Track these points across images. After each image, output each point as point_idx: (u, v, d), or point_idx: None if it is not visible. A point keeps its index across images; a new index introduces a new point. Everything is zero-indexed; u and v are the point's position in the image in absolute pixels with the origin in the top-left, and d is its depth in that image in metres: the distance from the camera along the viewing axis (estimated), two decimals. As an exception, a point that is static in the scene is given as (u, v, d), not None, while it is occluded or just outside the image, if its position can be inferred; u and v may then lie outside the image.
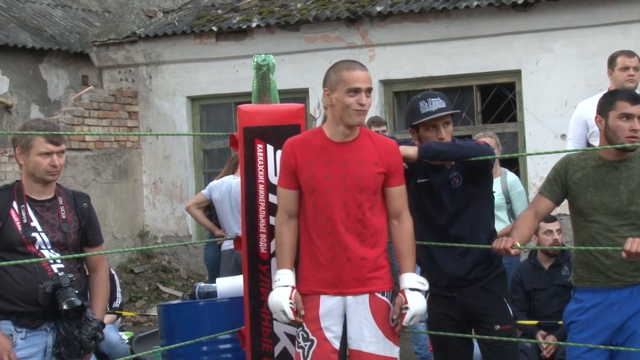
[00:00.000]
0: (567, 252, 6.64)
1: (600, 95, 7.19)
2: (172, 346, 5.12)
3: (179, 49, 12.93)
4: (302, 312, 4.39)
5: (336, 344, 4.39)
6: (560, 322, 5.88)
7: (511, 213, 7.34)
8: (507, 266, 5.65)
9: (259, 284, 4.73)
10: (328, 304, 4.39)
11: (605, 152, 4.57)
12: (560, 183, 4.65)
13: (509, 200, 7.31)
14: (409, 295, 4.38)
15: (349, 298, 4.39)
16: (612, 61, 7.09)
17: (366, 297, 4.39)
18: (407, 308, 4.35)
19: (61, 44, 14.30)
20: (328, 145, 4.39)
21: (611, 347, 4.53)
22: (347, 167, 4.35)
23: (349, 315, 4.40)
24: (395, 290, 4.50)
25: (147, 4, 13.68)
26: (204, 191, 8.34)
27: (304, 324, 4.40)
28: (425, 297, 4.99)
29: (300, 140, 4.46)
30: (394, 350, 4.44)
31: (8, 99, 13.60)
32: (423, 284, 4.46)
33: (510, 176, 7.43)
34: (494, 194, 6.61)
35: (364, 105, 4.32)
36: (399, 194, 4.47)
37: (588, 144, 6.87)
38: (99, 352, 7.29)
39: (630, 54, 7.08)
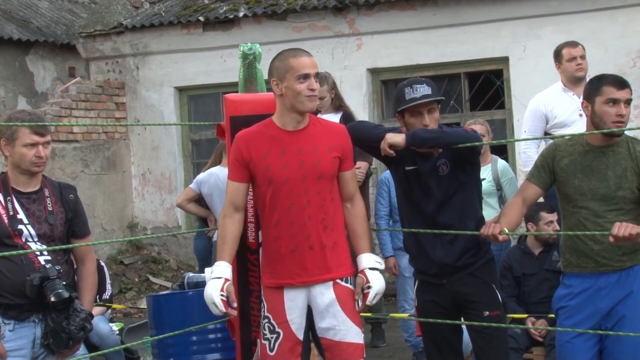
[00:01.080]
0: (557, 238, 6.64)
1: (555, 87, 7.26)
2: (162, 336, 5.13)
3: (165, 40, 12.90)
4: (235, 304, 4.38)
5: (300, 336, 4.41)
6: (551, 316, 5.90)
7: (501, 200, 7.35)
8: (496, 253, 5.66)
9: (247, 273, 4.72)
10: (292, 296, 4.40)
11: (592, 137, 4.57)
12: (548, 169, 4.66)
13: (499, 187, 7.33)
14: (370, 274, 4.42)
15: (313, 289, 4.39)
16: (557, 54, 7.19)
17: (330, 285, 4.40)
18: (369, 287, 4.39)
19: (47, 36, 14.25)
20: (281, 135, 4.39)
21: (600, 332, 4.55)
22: (302, 155, 4.36)
23: (315, 306, 4.40)
24: (356, 274, 4.52)
25: (133, -5, 13.63)
26: (192, 185, 8.33)
27: (270, 316, 4.41)
28: (414, 284, 5.02)
29: (253, 133, 4.44)
30: (361, 337, 4.48)
31: (-5, 92, 13.55)
32: (380, 262, 4.51)
33: (501, 163, 7.45)
34: (484, 181, 6.65)
35: (314, 91, 4.33)
36: (351, 177, 4.52)
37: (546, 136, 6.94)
38: (89, 343, 7.27)
39: (574, 44, 7.19)
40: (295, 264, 4.37)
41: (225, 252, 4.42)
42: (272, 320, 4.42)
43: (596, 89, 4.56)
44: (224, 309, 4.32)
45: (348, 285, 4.44)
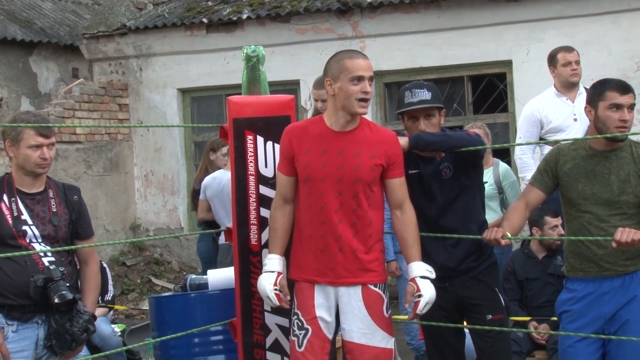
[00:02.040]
0: (561, 243, 6.64)
1: (548, 92, 7.28)
2: (164, 338, 5.12)
3: (169, 41, 12.91)
4: (288, 298, 4.42)
5: (329, 335, 4.41)
6: (554, 319, 5.90)
7: (503, 203, 7.35)
8: (499, 256, 5.66)
9: (250, 275, 4.72)
10: (322, 293, 4.40)
11: (596, 142, 4.57)
12: (551, 173, 4.65)
13: (501, 191, 7.33)
14: (421, 283, 4.41)
15: (342, 289, 4.39)
16: (552, 59, 7.18)
17: (359, 288, 4.40)
18: (420, 296, 4.39)
19: (51, 37, 14.25)
20: (326, 134, 4.39)
21: (603, 337, 4.54)
22: (343, 157, 4.36)
23: (341, 307, 4.41)
24: (387, 282, 4.52)
25: (137, -4, 13.65)
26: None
27: (299, 313, 4.41)
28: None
29: (299, 128, 4.47)
30: (389, 341, 4.45)
31: (-2, 92, 13.56)
32: (431, 271, 4.48)
33: (503, 166, 7.45)
34: (486, 184, 6.64)
35: (367, 93, 4.32)
36: (399, 184, 4.48)
37: (541, 141, 6.95)
38: (91, 345, 7.28)
39: (569, 49, 7.19)
40: (324, 264, 4.38)
41: (276, 245, 4.46)
42: (300, 317, 4.42)
43: (599, 93, 4.55)
44: (277, 302, 4.38)
45: (377, 290, 4.44)
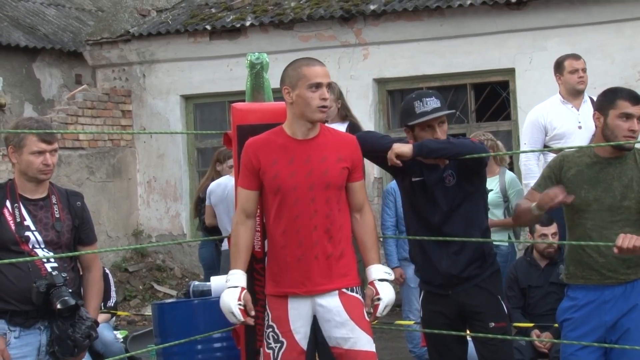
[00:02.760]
0: (563, 250, 6.66)
1: (553, 99, 7.29)
2: (167, 345, 5.12)
3: (172, 48, 12.92)
4: (252, 313, 4.39)
5: (304, 345, 4.41)
6: (556, 325, 5.90)
7: (508, 211, 7.35)
8: (501, 264, 5.66)
9: (253, 282, 4.72)
10: (296, 305, 4.40)
11: (601, 149, 4.58)
12: (555, 180, 4.65)
13: (506, 199, 7.32)
14: (379, 286, 4.42)
15: (318, 299, 4.38)
16: (559, 66, 7.19)
17: (335, 294, 4.39)
18: (379, 299, 4.40)
19: (54, 43, 14.27)
20: (290, 144, 4.39)
21: (604, 345, 4.54)
22: (310, 164, 4.36)
23: (321, 316, 4.40)
24: (362, 285, 4.51)
25: (140, 3, 13.66)
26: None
27: (274, 325, 4.41)
28: (420, 295, 5.01)
29: (262, 140, 4.45)
30: (373, 345, 4.46)
31: (1, 98, 13.57)
32: (389, 273, 4.50)
33: (509, 175, 7.45)
34: (492, 192, 6.65)
35: (325, 100, 4.33)
36: (360, 187, 4.51)
37: (545, 148, 6.97)
38: (93, 351, 7.28)
39: (576, 56, 7.21)
40: (300, 273, 4.37)
41: (239, 260, 4.44)
42: (276, 330, 4.41)
43: (611, 102, 4.56)
44: (242, 318, 4.35)
45: (354, 294, 4.43)
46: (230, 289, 4.37)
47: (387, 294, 4.41)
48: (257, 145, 4.43)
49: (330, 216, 4.38)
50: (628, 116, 4.51)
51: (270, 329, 4.43)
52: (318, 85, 4.32)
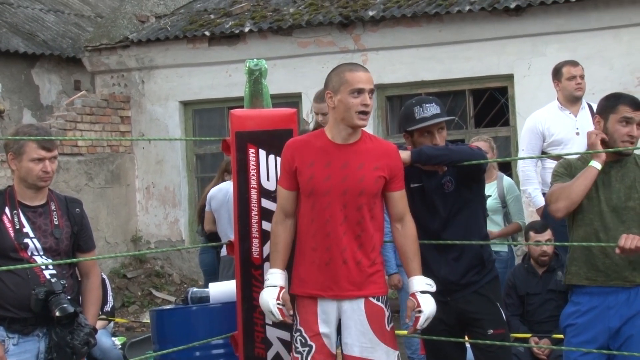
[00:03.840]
0: (560, 257, 6.68)
1: (551, 105, 7.31)
2: (165, 351, 5.11)
3: (171, 54, 12.93)
4: (291, 312, 4.40)
5: (333, 349, 4.41)
6: (556, 336, 5.90)
7: (507, 217, 7.36)
8: (500, 271, 5.66)
9: (251, 288, 4.72)
10: (325, 308, 4.39)
11: (615, 152, 4.60)
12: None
13: (505, 205, 7.34)
14: (421, 298, 4.40)
15: (345, 303, 4.39)
16: (557, 72, 7.21)
17: (361, 302, 4.39)
18: (420, 311, 4.38)
19: (53, 49, 14.28)
20: (329, 147, 4.40)
21: (605, 352, 4.54)
22: (347, 169, 4.36)
23: (344, 321, 4.40)
24: (388, 294, 4.51)
25: (139, 9, 13.67)
26: (207, 207, 8.36)
27: (302, 329, 4.40)
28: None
29: (301, 142, 4.47)
30: (392, 356, 4.44)
31: (0, 104, 13.57)
32: (431, 285, 4.47)
33: (507, 180, 7.46)
34: (490, 198, 6.66)
35: (367, 106, 4.33)
36: (401, 197, 4.48)
37: (543, 154, 6.99)
38: (91, 358, 7.27)
39: (574, 63, 7.23)
40: (328, 277, 4.37)
41: (278, 259, 4.44)
42: (304, 333, 4.40)
43: (612, 107, 4.60)
44: (281, 317, 4.36)
45: (379, 303, 4.43)
46: (269, 288, 4.38)
47: (428, 307, 4.39)
48: (295, 146, 4.45)
49: (362, 223, 4.37)
50: (628, 121, 4.55)
51: (298, 333, 4.42)
52: (360, 91, 4.32)
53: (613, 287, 4.55)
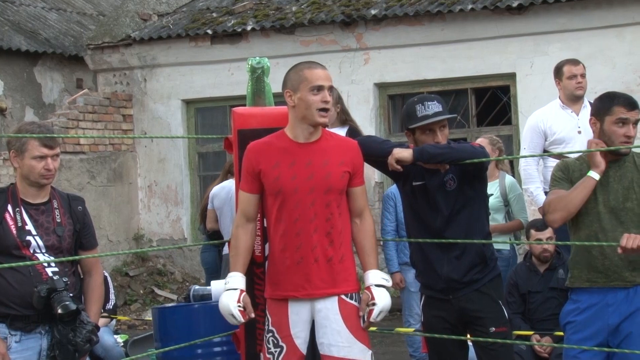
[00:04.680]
0: (562, 255, 6.69)
1: (553, 104, 7.32)
2: (167, 349, 5.12)
3: (173, 52, 12.93)
4: (252, 315, 4.39)
5: (303, 349, 4.41)
6: (558, 333, 5.90)
7: (509, 216, 7.36)
8: (502, 269, 5.66)
9: (253, 286, 4.72)
10: (296, 309, 4.40)
11: (611, 152, 4.59)
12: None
13: (507, 203, 7.34)
14: (375, 291, 4.40)
15: (318, 303, 4.39)
16: (558, 71, 7.20)
17: (335, 301, 4.39)
18: (374, 304, 4.38)
19: (56, 47, 14.29)
20: (292, 147, 4.40)
21: (605, 349, 4.54)
22: (312, 167, 4.36)
23: (318, 321, 4.40)
24: (360, 292, 4.52)
25: (142, 7, 13.67)
26: (209, 206, 8.36)
27: (274, 330, 4.41)
28: (420, 299, 5.01)
29: (263, 144, 4.46)
30: (367, 354, 4.44)
31: (2, 102, 13.59)
32: (387, 280, 4.49)
33: (509, 179, 7.46)
34: (492, 197, 6.66)
35: (327, 103, 4.34)
36: (361, 193, 4.51)
37: (545, 153, 6.99)
38: (94, 355, 7.28)
39: (575, 62, 7.21)
40: (300, 276, 4.37)
41: (238, 263, 4.43)
42: (276, 334, 4.41)
43: (607, 108, 4.59)
44: (242, 319, 4.35)
45: (353, 302, 4.44)
46: (229, 292, 4.37)
47: (382, 300, 4.39)
48: (257, 149, 4.44)
49: (331, 220, 4.38)
50: (624, 121, 4.55)
51: (270, 334, 4.43)
52: (319, 88, 4.33)
53: (613, 288, 4.56)
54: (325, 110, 4.35)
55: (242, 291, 4.37)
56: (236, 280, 4.38)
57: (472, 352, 4.94)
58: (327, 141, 4.44)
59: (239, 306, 4.34)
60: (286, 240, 4.37)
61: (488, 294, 4.80)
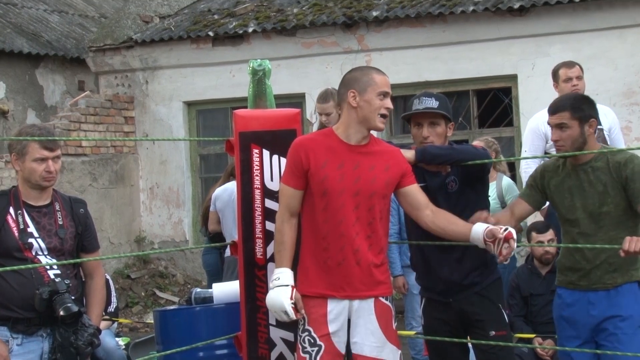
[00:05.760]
0: (551, 257, 6.76)
1: None
2: (169, 352, 5.11)
3: (175, 54, 12.94)
4: (303, 312, 4.38)
5: (342, 349, 4.41)
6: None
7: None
8: (503, 272, 5.65)
9: (255, 289, 4.72)
10: (335, 308, 4.39)
11: (572, 157, 4.69)
12: (539, 189, 4.79)
13: (504, 205, 7.33)
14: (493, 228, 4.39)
15: (355, 303, 4.40)
16: (555, 74, 7.23)
17: (372, 302, 4.42)
18: (506, 229, 4.37)
19: (57, 50, 14.30)
20: (341, 148, 4.41)
21: (598, 352, 4.61)
22: (359, 171, 4.38)
23: (354, 320, 4.41)
24: (394, 295, 4.54)
25: (143, 10, 13.68)
26: (211, 208, 8.35)
27: (311, 329, 4.39)
28: (421, 303, 5.01)
29: (313, 141, 4.46)
30: (397, 354, 4.46)
31: (4, 105, 13.59)
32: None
33: (506, 180, 7.46)
34: (490, 198, 6.66)
35: (389, 110, 4.41)
36: (418, 188, 4.53)
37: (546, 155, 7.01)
38: (95, 358, 7.28)
39: (570, 64, 7.21)
40: (340, 278, 4.37)
41: (286, 258, 4.41)
42: (312, 333, 4.39)
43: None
44: (294, 317, 4.34)
45: (388, 302, 4.46)
46: (281, 288, 4.33)
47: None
48: (308, 146, 4.43)
49: (372, 224, 4.40)
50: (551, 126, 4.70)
51: (307, 333, 4.40)
52: (386, 94, 4.40)
53: (594, 290, 4.67)
54: (386, 117, 4.40)
55: (293, 287, 4.36)
56: (287, 276, 4.37)
57: (472, 355, 4.94)
58: (373, 147, 4.47)
59: (292, 303, 4.33)
60: (329, 241, 4.37)
61: (488, 297, 4.80)
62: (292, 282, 4.37)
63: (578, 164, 4.66)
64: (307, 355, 4.39)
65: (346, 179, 4.36)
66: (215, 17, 13.13)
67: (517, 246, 7.67)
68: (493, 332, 4.74)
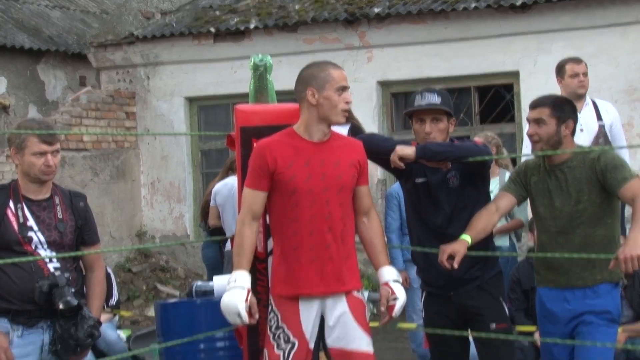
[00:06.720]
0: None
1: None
2: (170, 344, 5.13)
3: (176, 50, 12.94)
4: (257, 316, 4.37)
5: (312, 345, 4.42)
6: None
7: (508, 214, 7.36)
8: (503, 266, 5.66)
9: (256, 282, 4.72)
10: (307, 306, 4.40)
11: (551, 156, 4.71)
12: (521, 184, 4.80)
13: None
14: (394, 286, 4.45)
15: (328, 300, 4.40)
16: (560, 69, 7.20)
17: (343, 296, 4.42)
18: (395, 299, 4.42)
19: (59, 45, 14.31)
20: (305, 146, 4.39)
21: (588, 343, 4.63)
22: (325, 167, 4.37)
23: (328, 315, 4.42)
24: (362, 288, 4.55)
25: (145, 5, 13.69)
26: (212, 203, 8.37)
27: (284, 326, 4.40)
28: (422, 296, 5.02)
29: (277, 142, 4.42)
30: (370, 345, 4.48)
31: (6, 100, 13.61)
32: (399, 276, 4.56)
33: (508, 176, 7.45)
34: (492, 194, 6.66)
35: (349, 103, 4.38)
36: (367, 192, 4.54)
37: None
38: (96, 350, 7.30)
39: (577, 60, 7.21)
40: (313, 274, 4.37)
41: (244, 261, 4.39)
42: (286, 330, 4.40)
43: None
44: (247, 320, 4.31)
45: (359, 295, 4.47)
46: (236, 290, 4.31)
47: (402, 294, 4.46)
48: (272, 147, 4.40)
49: (343, 219, 4.40)
50: (529, 121, 4.72)
51: (281, 330, 4.42)
52: (344, 89, 4.37)
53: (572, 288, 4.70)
54: (347, 111, 4.39)
55: (249, 290, 4.33)
56: (243, 278, 4.34)
57: (473, 348, 4.95)
58: (336, 141, 4.46)
59: (247, 306, 4.31)
60: (299, 238, 4.37)
61: (488, 291, 4.82)
62: (248, 286, 4.33)
63: (554, 164, 4.69)
64: (281, 352, 4.39)
65: (314, 176, 4.35)
66: (217, 13, 13.13)
67: (517, 242, 7.65)
68: (494, 325, 4.76)
